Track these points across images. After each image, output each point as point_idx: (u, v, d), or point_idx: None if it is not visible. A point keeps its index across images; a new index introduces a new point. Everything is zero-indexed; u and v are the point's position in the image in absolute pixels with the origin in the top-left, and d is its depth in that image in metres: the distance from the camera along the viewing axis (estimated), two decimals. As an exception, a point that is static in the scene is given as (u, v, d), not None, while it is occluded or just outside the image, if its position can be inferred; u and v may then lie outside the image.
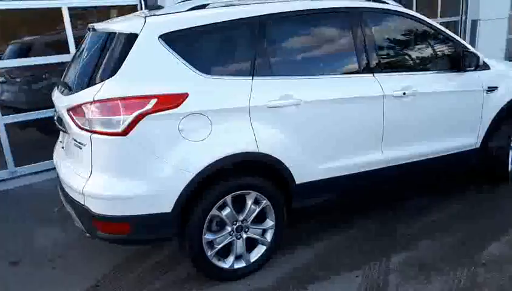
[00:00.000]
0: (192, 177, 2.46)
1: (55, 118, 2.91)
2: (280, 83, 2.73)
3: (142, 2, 5.37)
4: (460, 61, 3.39)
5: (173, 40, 2.48)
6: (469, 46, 3.54)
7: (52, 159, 3.14)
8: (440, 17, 8.49)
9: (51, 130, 3.16)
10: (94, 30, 2.77)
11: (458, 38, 3.51)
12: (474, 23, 8.82)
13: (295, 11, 2.84)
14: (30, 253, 3.26)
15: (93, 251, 3.19)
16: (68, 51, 4.82)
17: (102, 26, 2.76)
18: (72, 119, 2.50)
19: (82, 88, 2.50)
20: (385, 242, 3.16)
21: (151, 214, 2.44)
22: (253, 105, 2.59)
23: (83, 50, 2.91)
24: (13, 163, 4.71)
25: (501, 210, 3.61)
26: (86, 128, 2.41)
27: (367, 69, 3.05)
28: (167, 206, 2.45)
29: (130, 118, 2.32)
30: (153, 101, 2.35)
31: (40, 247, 3.35)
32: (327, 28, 3.00)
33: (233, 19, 2.64)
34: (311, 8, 2.90)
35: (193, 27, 2.54)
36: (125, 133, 2.33)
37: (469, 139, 3.62)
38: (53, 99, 2.99)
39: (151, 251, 3.15)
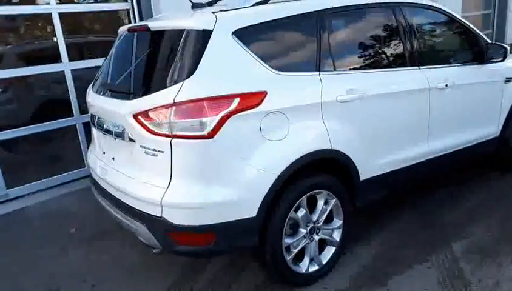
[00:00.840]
0: (275, 178, 2.34)
1: (95, 124, 2.70)
2: (343, 78, 2.70)
3: (135, 7, 5.11)
4: (484, 53, 3.53)
5: (245, 36, 2.37)
6: (487, 39, 3.70)
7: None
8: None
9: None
10: (148, 29, 2.57)
11: (478, 31, 3.66)
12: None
13: (352, 5, 2.83)
14: (66, 278, 2.95)
15: (134, 271, 2.96)
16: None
17: (158, 24, 2.57)
18: (142, 125, 2.30)
19: (151, 91, 2.31)
20: (438, 231, 3.20)
21: (237, 221, 2.29)
22: (324, 101, 2.53)
23: (128, 51, 2.71)
24: (4, 185, 4.27)
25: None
26: (164, 133, 2.22)
27: (414, 62, 3.10)
28: (252, 211, 2.31)
29: (216, 119, 2.17)
30: (236, 100, 2.22)
31: (74, 270, 3.04)
32: (379, 23, 3.02)
33: (299, 13, 2.57)
34: (366, 2, 2.90)
35: (263, 22, 2.44)
36: (211, 135, 2.17)
37: (493, 128, 3.79)
38: (94, 104, 2.77)
39: (204, 265, 2.97)
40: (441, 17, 3.44)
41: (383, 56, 3.01)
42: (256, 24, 2.42)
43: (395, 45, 3.05)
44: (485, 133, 3.72)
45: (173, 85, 2.23)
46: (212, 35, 2.28)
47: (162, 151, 2.24)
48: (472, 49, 3.60)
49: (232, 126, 2.21)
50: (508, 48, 3.59)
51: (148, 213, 2.33)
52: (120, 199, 2.53)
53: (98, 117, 2.79)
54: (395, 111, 2.94)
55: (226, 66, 2.32)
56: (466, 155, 3.64)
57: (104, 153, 2.78)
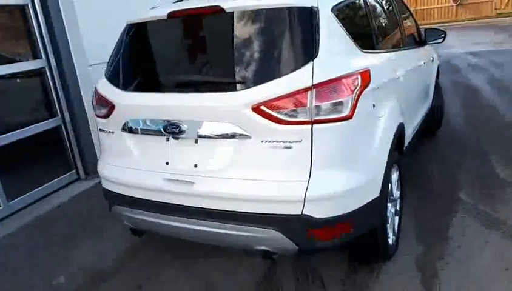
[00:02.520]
0: (388, 153, 2.38)
1: (139, 130, 2.34)
2: (388, 56, 2.87)
3: (37, 2, 4.22)
4: (425, 36, 4.18)
5: (339, 13, 2.32)
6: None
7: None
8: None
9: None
10: (223, 10, 2.23)
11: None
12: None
13: None
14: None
15: None
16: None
17: (236, 4, 2.23)
18: (267, 116, 2.02)
19: (270, 78, 2.04)
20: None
21: (367, 204, 2.23)
22: (394, 77, 2.67)
23: (188, 38, 2.33)
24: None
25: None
26: (302, 120, 2.00)
27: (417, 43, 3.51)
28: (377, 190, 2.29)
29: (353, 98, 2.08)
30: (360, 78, 2.16)
31: None
32: (402, 9, 3.33)
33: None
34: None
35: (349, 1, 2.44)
36: (350, 116, 2.06)
37: (429, 100, 4.49)
38: (145, 104, 2.31)
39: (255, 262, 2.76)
40: (403, 5, 3.94)
41: (404, 37, 3.34)
42: (345, 1, 2.38)
43: (408, 27, 3.40)
44: (428, 104, 4.38)
45: (301, 67, 2.03)
46: (319, 12, 2.16)
47: (299, 141, 2.01)
48: (418, 33, 4.20)
49: (361, 105, 2.13)
50: (446, 32, 4.31)
51: (284, 213, 2.06)
52: (227, 209, 2.15)
53: (151, 121, 2.30)
54: (411, 84, 3.28)
55: (336, 45, 2.22)
56: (424, 125, 4.21)
57: (167, 163, 2.30)
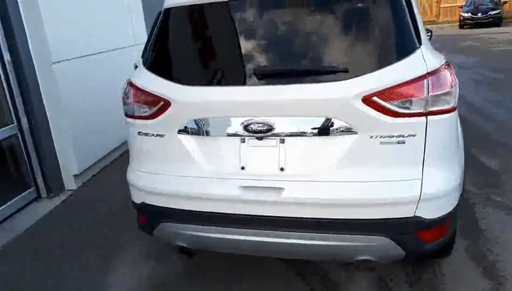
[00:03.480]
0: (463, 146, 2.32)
1: (227, 129, 1.96)
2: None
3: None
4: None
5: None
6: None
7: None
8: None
9: None
10: None
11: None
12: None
13: None
14: None
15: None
16: None
17: None
18: (380, 108, 1.80)
19: (380, 65, 1.83)
20: None
21: (459, 201, 2.13)
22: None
23: (269, 22, 2.02)
24: None
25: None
26: (416, 111, 1.82)
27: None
28: (461, 185, 2.20)
29: (455, 88, 1.95)
30: (452, 67, 2.06)
31: None
32: None
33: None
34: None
35: None
36: (455, 107, 1.94)
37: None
38: (227, 99, 1.95)
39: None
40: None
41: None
42: None
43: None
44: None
45: (410, 54, 1.85)
46: None
47: (413, 135, 1.83)
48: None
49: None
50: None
51: (395, 217, 1.87)
52: (326, 217, 1.89)
53: (224, 120, 1.95)
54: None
55: (424, 32, 2.08)
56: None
57: (242, 168, 1.97)
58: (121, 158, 4.74)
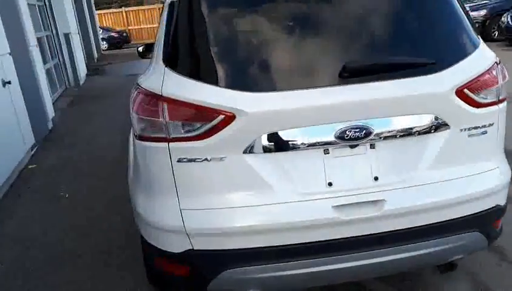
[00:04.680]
0: None
1: (320, 142, 1.64)
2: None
3: None
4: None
5: None
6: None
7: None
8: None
9: None
10: None
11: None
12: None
13: None
14: None
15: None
16: None
17: None
18: (468, 100, 1.72)
19: (461, 56, 1.74)
20: None
21: None
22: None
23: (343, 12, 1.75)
24: None
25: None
26: (493, 100, 1.80)
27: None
28: None
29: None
30: None
31: None
32: None
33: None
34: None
35: None
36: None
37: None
38: (324, 105, 1.62)
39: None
40: None
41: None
42: None
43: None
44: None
45: (479, 44, 1.83)
46: None
47: (492, 124, 1.81)
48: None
49: None
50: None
51: (484, 209, 1.82)
52: (425, 223, 1.73)
53: (308, 130, 1.63)
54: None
55: None
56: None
57: (329, 184, 1.67)
58: None
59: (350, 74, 1.60)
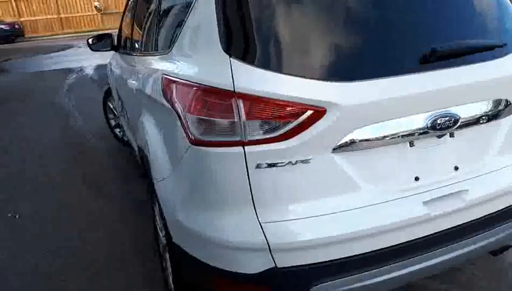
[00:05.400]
0: None
1: (409, 132, 1.51)
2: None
3: None
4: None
5: None
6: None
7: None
8: None
9: None
10: None
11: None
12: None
13: None
14: None
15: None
16: None
17: None
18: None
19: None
20: None
21: None
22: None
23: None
24: None
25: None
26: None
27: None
28: None
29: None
30: None
31: None
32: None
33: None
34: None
35: None
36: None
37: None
38: (417, 93, 1.48)
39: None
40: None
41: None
42: None
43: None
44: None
45: None
46: None
47: None
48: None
49: None
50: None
51: None
52: (497, 209, 1.70)
53: (403, 119, 1.49)
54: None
55: None
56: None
57: (416, 178, 1.56)
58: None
59: (437, 59, 1.48)
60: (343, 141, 1.42)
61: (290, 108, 1.36)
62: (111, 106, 4.56)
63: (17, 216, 3.21)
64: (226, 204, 1.47)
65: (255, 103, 1.36)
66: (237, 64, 1.39)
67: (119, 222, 2.98)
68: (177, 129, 1.55)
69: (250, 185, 1.41)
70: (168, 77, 1.69)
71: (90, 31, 19.70)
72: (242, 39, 1.42)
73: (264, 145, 1.38)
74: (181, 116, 1.50)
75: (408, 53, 1.49)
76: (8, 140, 5.15)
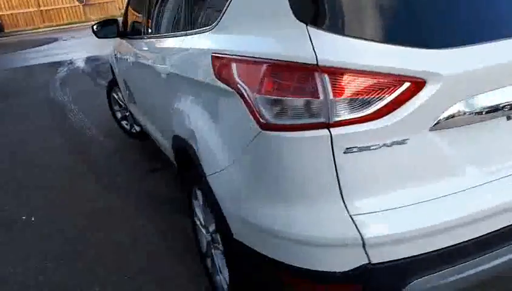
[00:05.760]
0: None
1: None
2: None
3: None
4: None
5: None
6: None
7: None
8: None
9: None
10: None
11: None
12: None
13: None
14: None
15: None
16: None
17: None
18: None
19: None
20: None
21: None
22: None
23: None
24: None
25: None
26: None
27: None
28: None
29: None
30: None
31: None
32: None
33: None
34: None
35: None
36: None
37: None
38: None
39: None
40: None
41: None
42: None
43: None
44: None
45: None
46: None
47: None
48: None
49: None
50: None
51: None
52: None
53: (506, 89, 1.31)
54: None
55: None
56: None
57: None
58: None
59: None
60: (441, 117, 1.23)
61: (385, 81, 1.16)
62: (116, 97, 4.32)
63: (32, 219, 3.00)
64: (306, 196, 1.28)
65: (342, 77, 1.16)
66: (317, 33, 1.18)
67: (139, 218, 2.80)
68: (240, 113, 1.35)
69: (337, 173, 1.22)
70: (221, 55, 1.47)
71: (72, 24, 19.17)
72: (321, 2, 1.21)
73: (354, 125, 1.18)
74: (247, 98, 1.30)
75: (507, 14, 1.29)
76: (9, 140, 4.89)
